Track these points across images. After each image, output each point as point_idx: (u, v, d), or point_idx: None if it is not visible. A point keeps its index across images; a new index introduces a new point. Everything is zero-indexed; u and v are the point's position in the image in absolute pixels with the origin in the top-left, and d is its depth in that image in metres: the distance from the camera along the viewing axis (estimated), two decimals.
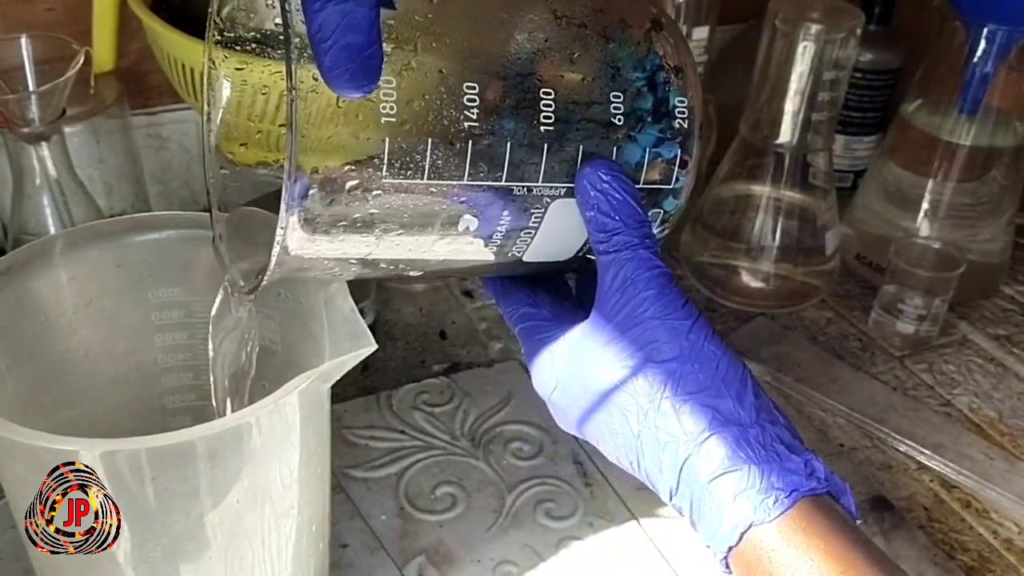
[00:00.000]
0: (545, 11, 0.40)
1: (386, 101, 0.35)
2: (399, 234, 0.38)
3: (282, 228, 0.35)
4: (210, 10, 0.43)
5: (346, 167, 0.35)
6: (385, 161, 0.36)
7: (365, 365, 0.61)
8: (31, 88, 0.58)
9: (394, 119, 0.35)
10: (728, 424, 0.38)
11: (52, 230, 0.58)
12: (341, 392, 0.62)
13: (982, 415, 0.66)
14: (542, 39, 0.39)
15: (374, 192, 0.36)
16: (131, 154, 0.71)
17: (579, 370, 0.41)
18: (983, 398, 0.68)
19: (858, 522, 0.38)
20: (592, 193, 0.39)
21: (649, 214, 0.41)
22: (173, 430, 0.37)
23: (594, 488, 0.58)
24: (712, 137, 0.77)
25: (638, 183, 0.40)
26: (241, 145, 0.47)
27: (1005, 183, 0.73)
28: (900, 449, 0.63)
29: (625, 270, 0.39)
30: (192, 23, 0.56)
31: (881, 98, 0.82)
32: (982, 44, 0.68)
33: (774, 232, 0.71)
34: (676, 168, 0.42)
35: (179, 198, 0.79)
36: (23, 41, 0.58)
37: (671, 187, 0.42)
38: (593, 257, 0.42)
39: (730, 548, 0.37)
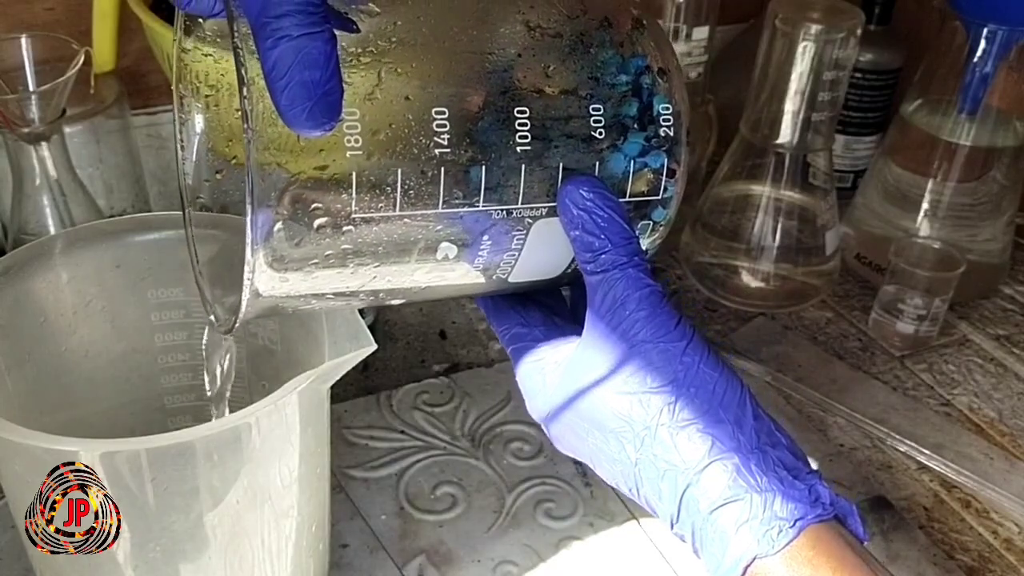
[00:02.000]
0: (516, 24, 0.38)
1: (350, 134, 0.34)
2: (376, 267, 0.36)
3: (249, 272, 0.33)
4: (175, 37, 0.41)
5: (313, 205, 0.34)
6: (354, 196, 0.34)
7: (365, 365, 0.61)
8: (31, 88, 0.58)
9: (360, 152, 0.34)
10: (728, 451, 0.36)
11: (52, 230, 0.58)
12: (341, 392, 0.62)
13: (982, 415, 0.66)
14: (514, 55, 0.37)
15: (344, 228, 0.35)
16: (131, 154, 0.71)
17: (571, 395, 0.39)
18: (983, 398, 0.68)
19: (866, 543, 0.37)
20: (575, 212, 0.37)
21: (638, 227, 0.40)
22: (173, 430, 0.37)
23: (594, 488, 0.58)
24: (712, 137, 0.77)
25: (624, 196, 0.39)
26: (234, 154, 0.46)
27: (1005, 183, 0.73)
28: (900, 449, 0.63)
29: (614, 291, 0.38)
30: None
31: (881, 98, 0.82)
32: (982, 44, 0.68)
33: (774, 232, 0.71)
34: (664, 178, 0.40)
35: (179, 198, 0.79)
36: (23, 41, 0.58)
37: (659, 197, 0.40)
38: (578, 275, 0.40)
39: None
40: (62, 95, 0.56)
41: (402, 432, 0.61)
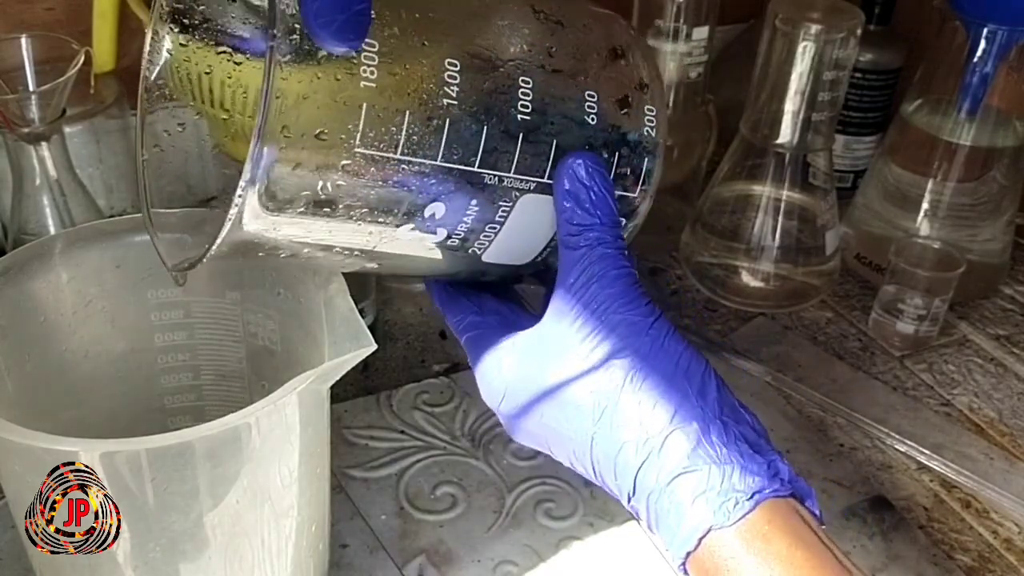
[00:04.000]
0: (524, 3, 0.39)
1: (367, 64, 0.34)
2: (363, 213, 0.36)
3: (243, 188, 0.33)
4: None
5: (317, 129, 0.34)
6: (360, 129, 0.34)
7: (365, 365, 0.61)
8: (31, 88, 0.58)
9: (373, 84, 0.34)
10: (689, 420, 0.37)
11: (52, 230, 0.58)
12: (341, 392, 0.62)
13: (982, 415, 0.66)
14: (524, 29, 0.38)
15: (344, 162, 0.34)
16: (131, 154, 0.71)
17: (530, 373, 0.40)
18: (983, 398, 0.67)
19: (823, 527, 0.37)
20: (574, 183, 0.38)
21: None
22: (173, 430, 0.37)
23: (594, 488, 0.58)
24: (712, 137, 0.77)
25: None
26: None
27: (1005, 183, 0.73)
28: (900, 449, 0.63)
29: (593, 267, 0.39)
30: None
31: (881, 98, 0.82)
32: (982, 44, 0.68)
33: (774, 232, 0.71)
34: (639, 179, 0.42)
35: (177, 197, 0.79)
36: (23, 41, 0.58)
37: (631, 197, 0.42)
38: (547, 265, 0.42)
39: (688, 553, 0.36)
40: (62, 95, 0.56)
41: (402, 432, 0.61)
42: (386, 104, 0.35)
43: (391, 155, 0.35)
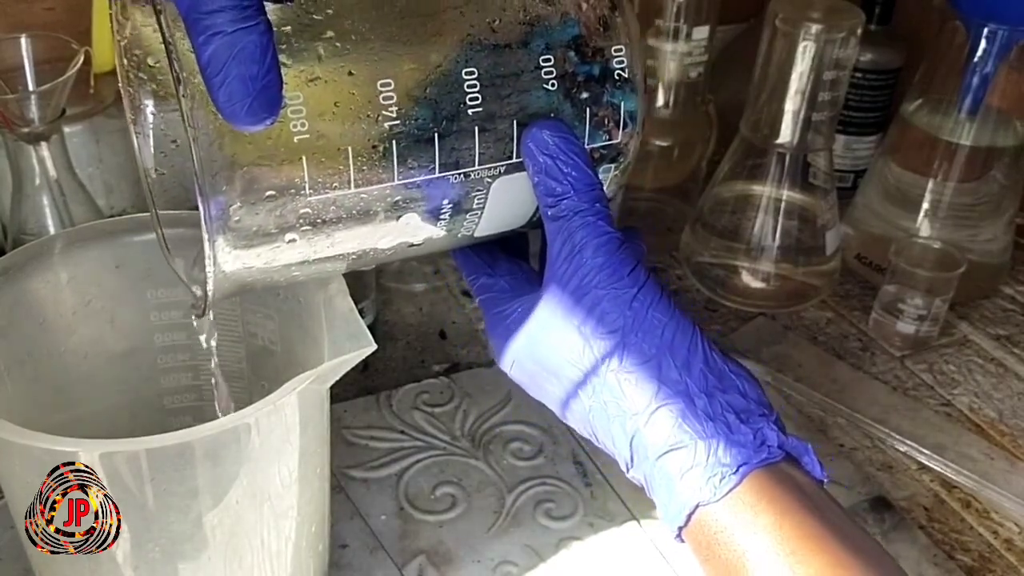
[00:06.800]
0: None
1: (295, 119, 0.33)
2: (339, 240, 0.36)
3: (210, 255, 0.33)
4: (111, 10, 0.42)
5: (267, 192, 0.34)
6: (307, 179, 0.34)
7: (365, 365, 0.61)
8: (31, 88, 0.58)
9: (307, 135, 0.34)
10: (674, 396, 0.37)
11: (52, 230, 0.58)
12: (341, 392, 0.62)
13: (982, 415, 0.66)
14: (457, 14, 0.36)
15: (301, 211, 0.35)
16: (131, 154, 0.70)
17: (531, 346, 0.40)
18: (983, 398, 0.67)
19: (825, 482, 0.37)
20: (539, 158, 0.37)
21: (598, 171, 0.40)
22: (173, 430, 0.37)
23: (594, 488, 0.58)
24: (712, 137, 0.77)
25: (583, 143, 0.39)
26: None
27: (1005, 183, 0.73)
28: (900, 449, 0.63)
29: (573, 238, 0.38)
30: None
31: (881, 98, 0.82)
32: (982, 44, 0.68)
33: (774, 232, 0.71)
34: (620, 122, 0.40)
35: (174, 196, 0.79)
36: (23, 41, 0.58)
37: (616, 143, 0.40)
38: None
39: (680, 527, 0.37)
40: (62, 95, 0.56)
41: (402, 432, 0.61)
42: (325, 148, 0.34)
43: (346, 191, 0.35)
